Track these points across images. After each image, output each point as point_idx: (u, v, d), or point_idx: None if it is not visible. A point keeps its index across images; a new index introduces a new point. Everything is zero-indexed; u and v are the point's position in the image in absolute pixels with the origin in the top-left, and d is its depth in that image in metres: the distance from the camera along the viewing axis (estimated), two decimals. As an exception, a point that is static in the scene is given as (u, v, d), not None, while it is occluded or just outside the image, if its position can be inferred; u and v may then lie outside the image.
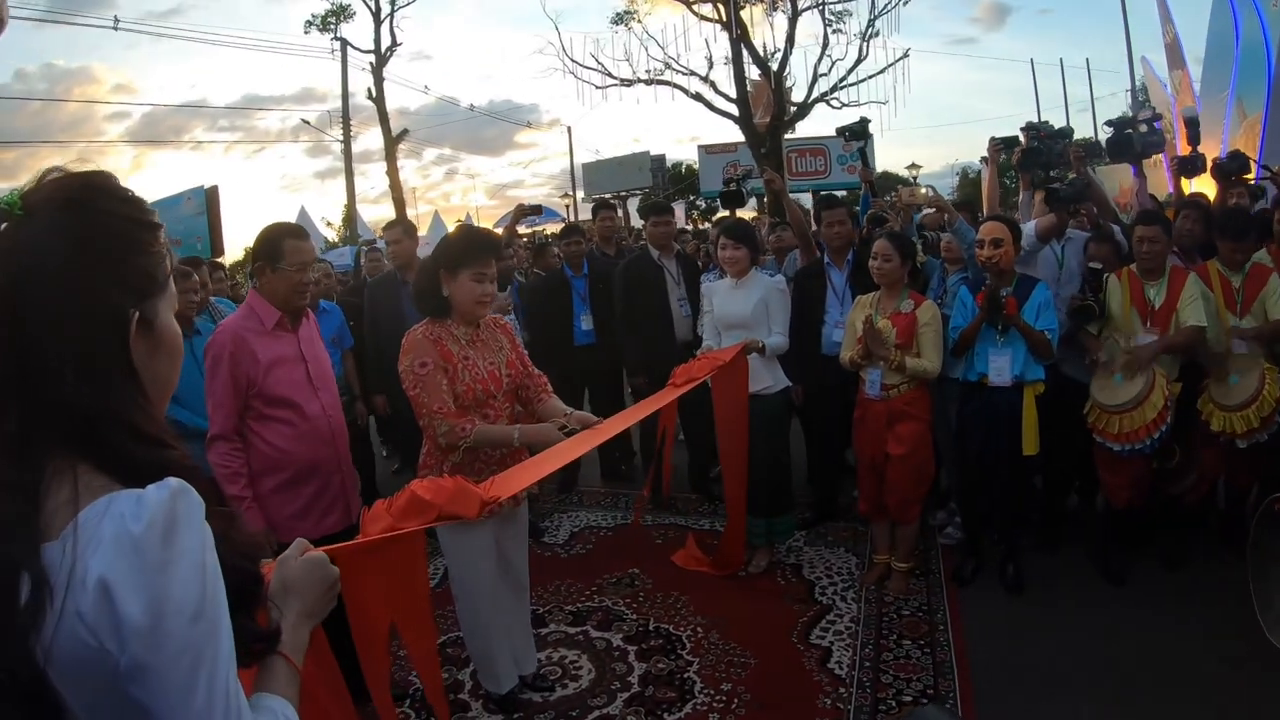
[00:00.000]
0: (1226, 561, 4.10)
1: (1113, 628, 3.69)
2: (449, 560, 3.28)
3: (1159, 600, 3.89)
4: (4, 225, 0.91)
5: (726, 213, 7.00)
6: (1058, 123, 5.21)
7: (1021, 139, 5.21)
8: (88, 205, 0.94)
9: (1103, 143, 5.22)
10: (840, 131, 5.49)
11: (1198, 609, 3.76)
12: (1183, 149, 5.30)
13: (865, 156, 5.54)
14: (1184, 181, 5.42)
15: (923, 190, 5.65)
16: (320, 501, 3.12)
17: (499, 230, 6.17)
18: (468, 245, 3.15)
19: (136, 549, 0.82)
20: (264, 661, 1.08)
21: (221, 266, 7.07)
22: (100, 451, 0.89)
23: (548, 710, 3.38)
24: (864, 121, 5.42)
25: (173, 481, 0.87)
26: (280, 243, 3.06)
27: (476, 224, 23.47)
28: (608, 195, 23.44)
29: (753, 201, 16.33)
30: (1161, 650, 3.47)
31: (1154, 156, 6.05)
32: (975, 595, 4.10)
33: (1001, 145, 5.15)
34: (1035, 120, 4.90)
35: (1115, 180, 9.10)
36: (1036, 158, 4.42)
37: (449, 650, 3.86)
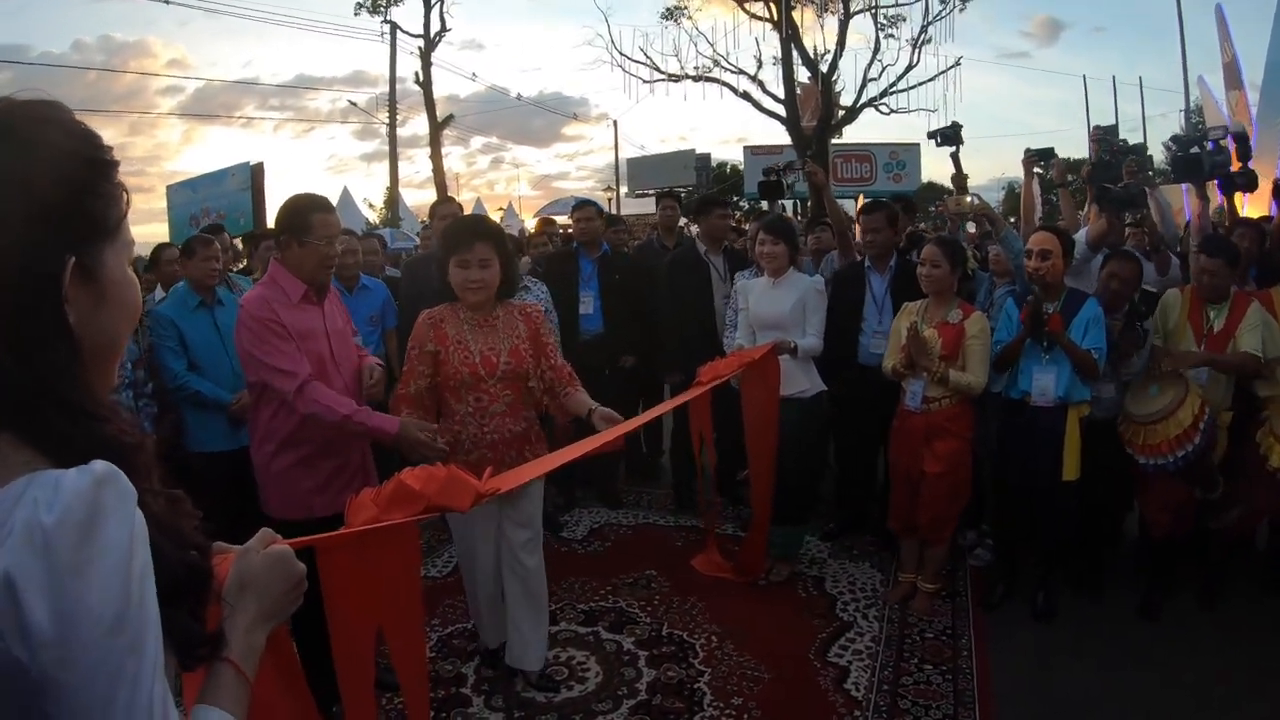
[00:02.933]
0: (1268, 603, 3.93)
1: (1147, 664, 3.52)
2: (452, 525, 3.33)
3: (1198, 638, 3.71)
4: None
5: (765, 205, 6.82)
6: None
7: (1055, 153, 5.01)
8: (24, 138, 0.80)
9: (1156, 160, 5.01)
10: (931, 135, 5.26)
11: (1241, 648, 3.60)
12: (1233, 165, 5.06)
13: (957, 161, 5.27)
14: (1238, 199, 5.13)
15: (968, 199, 5.41)
16: (339, 478, 3.06)
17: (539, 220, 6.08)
18: (451, 233, 3.25)
19: (47, 545, 0.70)
20: (209, 668, 0.96)
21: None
22: (22, 423, 0.78)
23: (550, 712, 3.28)
24: (956, 126, 5.17)
25: (98, 466, 0.75)
26: (308, 215, 2.98)
27: (517, 213, 23.58)
28: (651, 191, 23.34)
29: (788, 206, 16.11)
30: (1201, 691, 3.30)
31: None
32: (1002, 621, 3.94)
33: (1036, 157, 4.95)
34: (1101, 125, 4.67)
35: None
36: (1107, 172, 4.20)
37: (455, 642, 3.79)
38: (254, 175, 12.92)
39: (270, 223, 11.96)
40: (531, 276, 5.02)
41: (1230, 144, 4.43)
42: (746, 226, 9.55)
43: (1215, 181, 4.54)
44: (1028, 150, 4.95)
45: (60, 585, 0.71)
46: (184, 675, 0.97)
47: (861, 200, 6.42)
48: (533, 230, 9.05)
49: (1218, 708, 3.16)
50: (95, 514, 0.73)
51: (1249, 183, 4.52)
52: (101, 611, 0.72)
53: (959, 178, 5.26)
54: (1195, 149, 4.31)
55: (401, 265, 6.79)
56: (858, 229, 5.28)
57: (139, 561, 0.76)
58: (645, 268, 5.81)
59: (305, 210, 2.99)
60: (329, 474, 3.04)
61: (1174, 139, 4.61)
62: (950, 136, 5.10)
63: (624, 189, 29.97)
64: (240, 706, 0.95)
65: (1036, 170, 5.02)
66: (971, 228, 6.57)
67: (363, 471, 3.16)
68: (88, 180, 0.84)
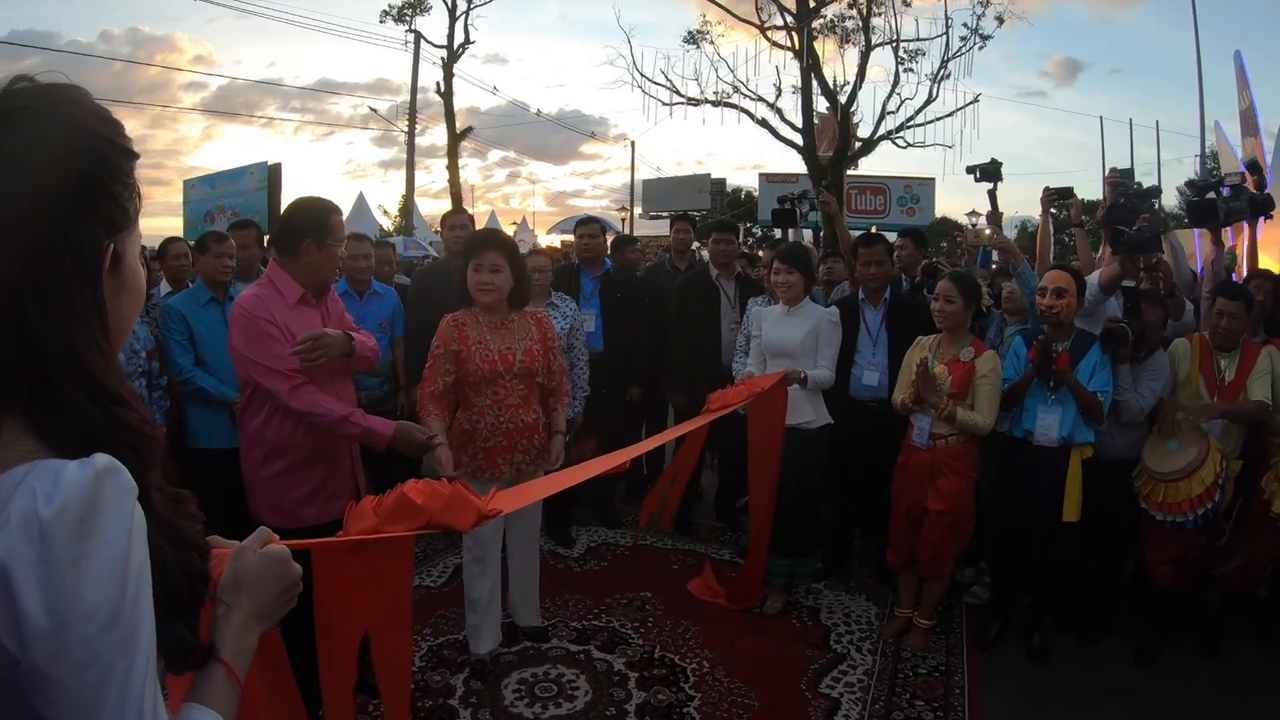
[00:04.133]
0: (1267, 653, 3.89)
1: (1139, 711, 3.49)
2: None
3: (1191, 686, 3.67)
4: None
5: (779, 233, 6.82)
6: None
7: (1074, 192, 4.99)
8: (71, 120, 0.82)
9: (1164, 206, 4.95)
10: (970, 170, 5.21)
11: (1239, 697, 3.56)
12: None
13: (994, 199, 5.17)
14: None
15: (987, 231, 5.38)
16: (328, 485, 3.04)
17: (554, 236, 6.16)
18: (472, 240, 3.69)
19: (44, 537, 0.70)
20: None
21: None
22: (39, 403, 0.77)
23: (538, 729, 3.26)
24: (996, 163, 5.12)
25: (99, 459, 0.75)
26: (329, 218, 2.99)
27: (530, 228, 23.69)
28: (665, 213, 23.41)
29: (806, 235, 16.16)
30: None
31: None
32: (996, 660, 3.90)
33: (1055, 195, 4.93)
34: (1118, 168, 4.66)
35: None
36: (1121, 215, 4.18)
37: (445, 653, 3.77)
38: (271, 175, 13.00)
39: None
40: (561, 294, 5.00)
41: (1246, 175, 4.41)
42: (761, 254, 9.54)
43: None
44: (1047, 188, 4.94)
45: (56, 578, 0.70)
46: (169, 675, 0.95)
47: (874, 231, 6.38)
48: (558, 246, 9.04)
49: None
50: (94, 508, 0.73)
51: (1266, 205, 4.46)
52: (95, 606, 0.72)
53: (994, 214, 5.20)
54: (1211, 194, 4.28)
55: (412, 274, 6.79)
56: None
57: (136, 558, 0.76)
58: (650, 288, 5.80)
59: (326, 213, 3.00)
60: (317, 483, 3.01)
61: (1189, 183, 4.56)
62: (990, 173, 5.06)
63: (638, 210, 30.06)
64: (230, 707, 0.94)
65: (1051, 210, 5.01)
66: (995, 256, 6.51)
67: (353, 481, 3.14)
68: (122, 169, 0.86)
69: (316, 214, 2.99)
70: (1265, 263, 5.36)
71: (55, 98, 0.83)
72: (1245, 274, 4.70)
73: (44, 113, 0.81)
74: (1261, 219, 4.60)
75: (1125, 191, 4.33)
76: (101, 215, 0.83)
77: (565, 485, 2.75)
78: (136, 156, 0.88)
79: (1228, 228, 4.52)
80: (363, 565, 1.68)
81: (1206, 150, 19.48)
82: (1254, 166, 4.80)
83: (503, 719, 3.29)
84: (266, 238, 5.66)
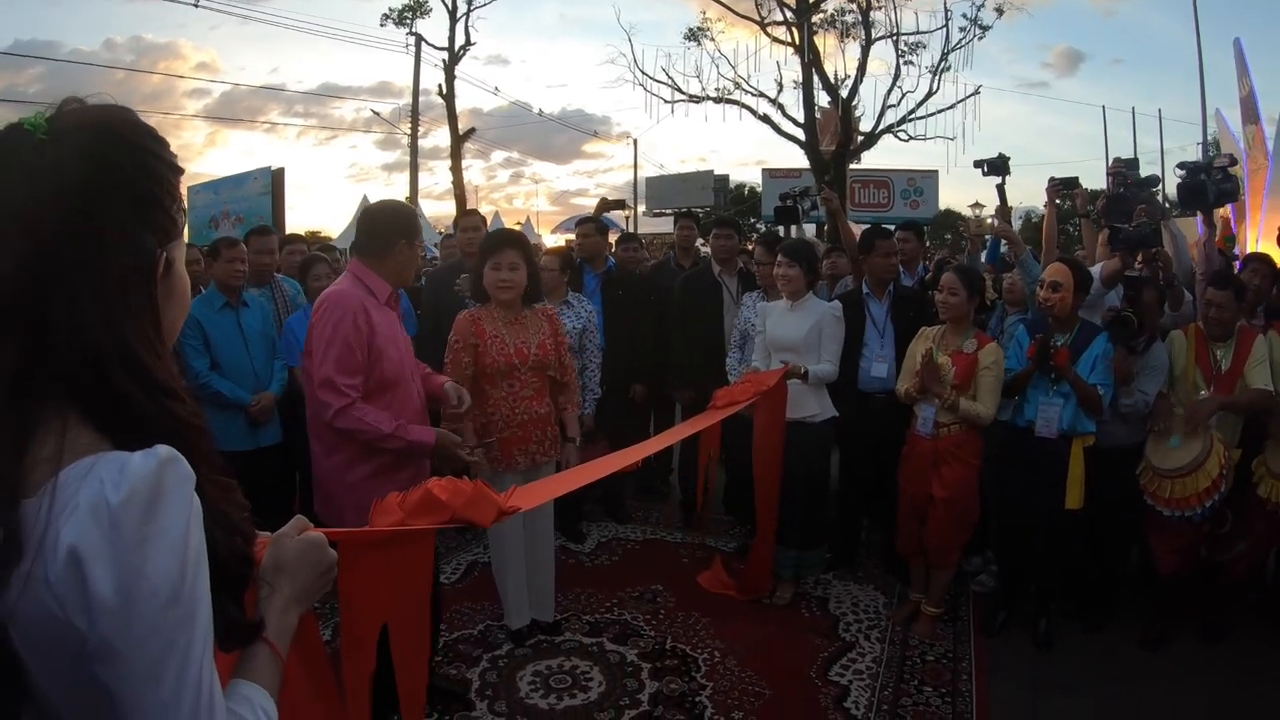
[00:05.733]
0: (1273, 638, 3.93)
1: (1143, 697, 3.53)
2: None
3: (1196, 673, 3.71)
4: (20, 145, 0.85)
5: (781, 230, 6.86)
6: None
7: (1080, 182, 5.02)
8: (123, 137, 0.90)
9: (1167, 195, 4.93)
10: (978, 164, 5.24)
11: (1244, 683, 3.60)
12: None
13: (1003, 193, 5.17)
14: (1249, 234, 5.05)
15: (989, 221, 5.42)
16: (414, 486, 3.05)
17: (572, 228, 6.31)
18: (490, 240, 3.85)
19: (113, 521, 0.76)
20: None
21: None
22: (99, 398, 0.83)
23: (554, 718, 3.33)
24: (1003, 157, 5.14)
25: (161, 449, 0.81)
26: (415, 219, 3.18)
27: (534, 228, 23.74)
28: (669, 211, 23.42)
29: (810, 230, 16.14)
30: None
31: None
32: (1003, 647, 3.96)
33: (1061, 185, 4.96)
34: (1121, 158, 4.65)
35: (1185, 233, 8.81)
36: (1122, 205, 4.20)
37: (460, 647, 3.84)
38: (275, 180, 13.07)
39: (287, 228, 12.07)
40: (578, 295, 5.05)
41: (1248, 181, 4.43)
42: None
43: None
44: (1052, 179, 4.97)
45: (124, 558, 0.76)
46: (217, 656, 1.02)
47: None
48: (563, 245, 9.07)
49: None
50: (158, 494, 0.79)
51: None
52: (159, 584, 0.78)
53: (1003, 209, 5.23)
54: (1203, 176, 4.28)
55: (424, 276, 6.84)
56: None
57: (194, 542, 0.82)
58: (652, 285, 5.87)
59: (412, 214, 3.25)
60: (403, 484, 2.97)
61: (1180, 165, 4.51)
62: (998, 167, 5.09)
63: (642, 208, 30.05)
64: (275, 683, 1.00)
65: (1056, 200, 5.04)
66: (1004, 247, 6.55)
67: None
68: (171, 182, 0.94)
69: (405, 215, 3.15)
70: (1265, 247, 5.39)
71: (106, 116, 0.91)
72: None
73: (97, 131, 0.88)
74: None
75: (1125, 181, 4.36)
76: (154, 226, 0.91)
77: (580, 483, 2.81)
78: (182, 171, 0.96)
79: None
80: (387, 557, 1.76)
81: (1208, 138, 19.41)
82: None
83: (518, 710, 3.36)
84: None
